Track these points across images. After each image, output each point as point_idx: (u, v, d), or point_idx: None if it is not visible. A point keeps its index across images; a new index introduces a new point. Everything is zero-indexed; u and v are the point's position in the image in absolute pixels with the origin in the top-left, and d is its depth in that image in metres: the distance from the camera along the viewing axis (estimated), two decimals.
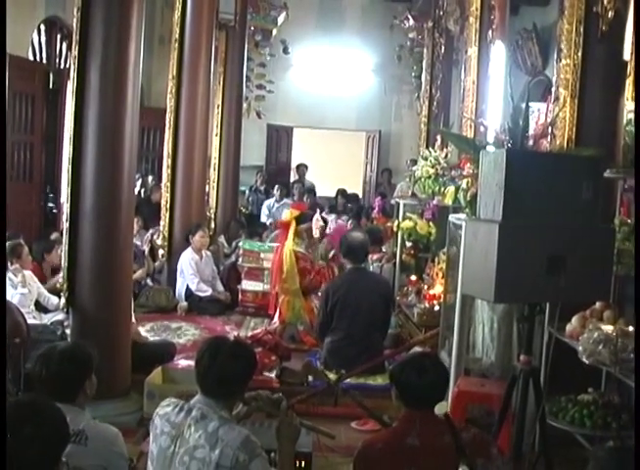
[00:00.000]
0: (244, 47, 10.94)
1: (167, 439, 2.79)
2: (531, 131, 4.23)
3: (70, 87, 4.77)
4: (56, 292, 5.96)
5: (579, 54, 4.48)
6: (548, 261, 2.93)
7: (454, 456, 2.80)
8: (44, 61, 9.91)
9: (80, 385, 3.02)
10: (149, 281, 8.33)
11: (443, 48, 9.82)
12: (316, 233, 7.45)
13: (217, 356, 2.83)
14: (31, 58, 9.50)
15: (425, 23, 10.62)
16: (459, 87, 8.08)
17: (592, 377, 4.01)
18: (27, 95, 9.04)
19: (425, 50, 10.63)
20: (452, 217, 4.73)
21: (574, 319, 3.89)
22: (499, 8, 6.94)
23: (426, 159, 7.21)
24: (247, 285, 7.91)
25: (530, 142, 4.12)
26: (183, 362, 5.66)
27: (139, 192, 10.39)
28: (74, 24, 4.70)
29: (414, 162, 8.78)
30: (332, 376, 5.10)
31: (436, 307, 5.92)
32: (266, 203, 12.18)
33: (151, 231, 8.77)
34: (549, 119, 4.57)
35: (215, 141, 10.34)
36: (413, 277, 7.23)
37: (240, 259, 8.10)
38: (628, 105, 4.31)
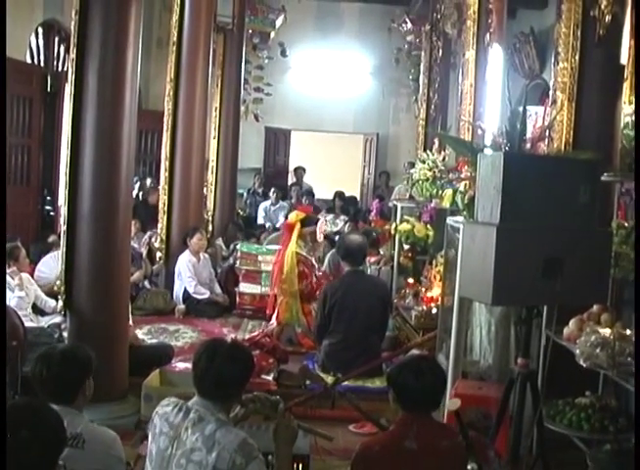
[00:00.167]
0: (242, 50, 10.95)
1: (166, 440, 2.79)
2: (529, 134, 4.23)
3: (68, 90, 4.79)
4: (53, 294, 5.96)
5: (577, 57, 4.49)
6: (545, 264, 2.94)
7: (452, 460, 2.80)
8: (42, 64, 9.91)
9: (80, 386, 3.02)
10: (146, 284, 8.32)
11: (441, 51, 9.85)
12: (320, 237, 7.46)
13: (215, 359, 2.83)
14: (29, 61, 9.51)
15: (422, 27, 10.64)
16: (457, 90, 8.09)
17: (589, 380, 4.01)
18: (25, 98, 9.04)
19: (422, 53, 10.64)
20: (450, 220, 4.73)
21: (572, 322, 3.89)
22: (497, 11, 6.95)
23: (423, 161, 7.22)
24: (244, 287, 7.91)
25: (528, 145, 4.12)
26: (180, 365, 5.66)
27: (137, 195, 10.39)
28: (72, 27, 4.70)
29: (412, 164, 8.79)
30: (329, 379, 5.10)
31: (434, 310, 5.93)
32: (262, 205, 12.20)
33: (149, 233, 8.76)
34: (546, 123, 4.57)
35: (213, 144, 10.35)
36: (411, 280, 7.23)
37: (237, 262, 8.10)
38: (626, 108, 4.32)
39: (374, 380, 5.44)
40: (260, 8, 11.76)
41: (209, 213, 10.15)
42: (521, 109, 3.72)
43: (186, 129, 8.32)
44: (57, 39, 10.15)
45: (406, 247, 7.59)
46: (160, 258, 8.42)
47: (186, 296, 8.00)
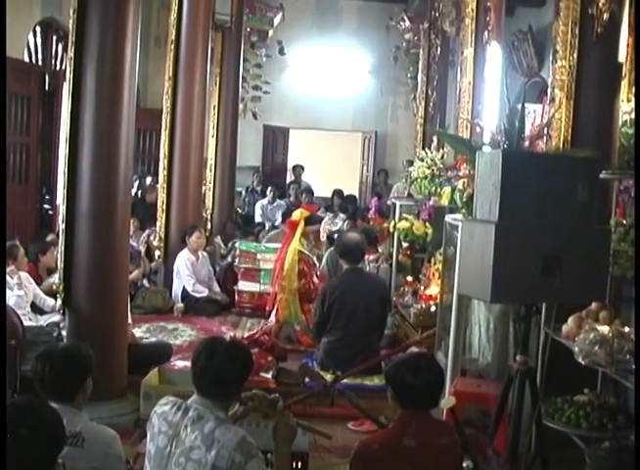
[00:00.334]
0: (240, 48, 10.94)
1: (164, 438, 2.79)
2: (527, 132, 4.23)
3: (66, 89, 4.78)
4: (52, 293, 5.96)
5: (575, 55, 4.50)
6: (544, 262, 2.94)
7: (450, 457, 2.80)
8: (40, 62, 9.91)
9: (81, 384, 3.03)
10: (145, 282, 8.33)
11: (439, 49, 9.86)
12: (323, 236, 7.47)
13: (214, 357, 2.83)
14: (27, 59, 9.50)
15: (421, 25, 10.65)
16: (455, 88, 8.10)
17: (588, 378, 4.01)
18: (23, 97, 9.04)
19: (421, 51, 10.66)
20: (448, 218, 4.73)
21: (570, 320, 3.90)
22: (495, 9, 6.96)
23: (422, 159, 7.22)
24: (243, 286, 7.92)
25: (526, 143, 4.12)
26: (179, 363, 5.66)
27: (135, 193, 10.39)
28: (70, 26, 4.70)
29: (410, 162, 8.79)
30: (328, 377, 5.10)
31: (433, 308, 5.93)
32: (259, 203, 12.19)
33: (147, 232, 8.77)
34: (545, 121, 4.58)
35: (211, 142, 10.36)
36: (409, 278, 7.24)
37: (236, 260, 8.10)
38: (624, 106, 4.32)
39: (373, 378, 5.44)
40: (259, 6, 11.77)
41: (208, 212, 10.14)
42: (519, 107, 3.73)
43: (184, 128, 8.32)
44: (55, 38, 10.14)
45: (405, 245, 7.59)
46: (158, 257, 8.42)
47: (185, 294, 8.00)
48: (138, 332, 6.65)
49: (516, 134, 3.72)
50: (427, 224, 7.27)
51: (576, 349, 3.53)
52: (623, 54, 4.42)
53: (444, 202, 6.03)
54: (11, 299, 5.74)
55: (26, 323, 5.30)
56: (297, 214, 7.19)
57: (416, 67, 11.43)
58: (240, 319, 7.72)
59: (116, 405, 4.81)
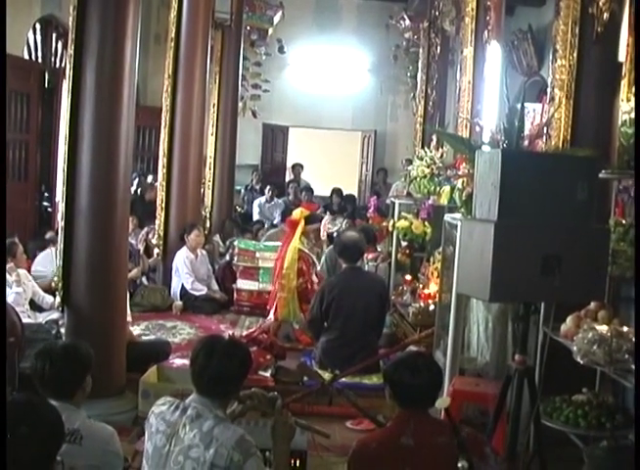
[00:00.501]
0: (239, 46, 10.95)
1: (162, 437, 2.78)
2: (527, 132, 4.23)
3: (66, 86, 4.77)
4: (51, 291, 5.95)
5: (575, 55, 4.50)
6: (543, 261, 2.94)
7: (449, 456, 2.80)
8: (40, 60, 9.91)
9: (81, 382, 3.03)
10: (144, 280, 8.33)
11: (439, 48, 9.86)
12: (324, 235, 7.47)
13: (213, 356, 2.83)
14: (27, 57, 9.49)
15: (421, 24, 10.65)
16: (455, 87, 8.10)
17: (586, 377, 4.02)
18: (23, 94, 9.04)
19: (421, 50, 10.65)
20: (447, 217, 4.73)
21: (569, 319, 3.90)
22: (495, 8, 6.96)
23: (421, 158, 7.22)
24: (242, 284, 7.91)
25: (526, 142, 4.13)
26: (178, 361, 5.66)
27: (135, 191, 10.39)
28: (70, 23, 4.69)
29: (409, 161, 8.79)
30: (326, 376, 5.10)
31: (431, 307, 5.93)
32: (256, 201, 12.19)
33: (146, 230, 8.77)
34: (544, 120, 4.58)
35: (211, 140, 10.36)
36: (408, 277, 7.24)
37: (235, 259, 8.10)
38: (623, 106, 4.32)
39: (371, 377, 5.44)
40: (258, 4, 11.75)
41: (207, 210, 10.15)
42: (519, 106, 3.72)
43: (184, 126, 8.32)
44: (54, 35, 10.14)
45: (404, 244, 7.59)
46: (157, 254, 8.42)
47: (183, 292, 8.00)
48: (137, 330, 6.65)
49: (515, 133, 3.71)
50: (426, 223, 7.26)
51: (575, 348, 3.54)
52: (623, 53, 4.42)
53: (443, 201, 6.04)
54: (10, 296, 5.74)
55: (25, 321, 5.30)
56: (298, 213, 7.20)
57: (416, 65, 11.42)
58: (238, 317, 7.72)
59: (115, 403, 4.81)
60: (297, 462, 3.68)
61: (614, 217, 4.22)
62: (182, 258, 8.01)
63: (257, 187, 13.07)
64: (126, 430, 4.41)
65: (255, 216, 11.85)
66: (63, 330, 5.17)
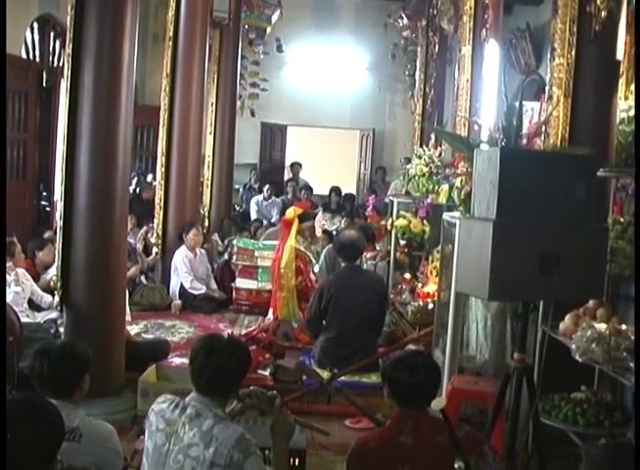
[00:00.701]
0: (238, 45, 10.95)
1: (162, 436, 2.79)
2: (525, 130, 4.24)
3: (64, 85, 4.76)
4: (49, 290, 5.95)
5: (573, 53, 4.49)
6: (542, 260, 2.94)
7: (447, 454, 2.81)
8: (37, 59, 9.90)
9: (79, 381, 3.03)
10: (143, 279, 8.32)
11: (437, 47, 9.84)
12: (319, 232, 7.47)
13: (212, 354, 2.83)
14: (25, 56, 9.48)
15: (419, 22, 10.62)
16: (453, 86, 8.09)
17: (585, 375, 4.02)
18: (21, 93, 9.03)
19: (419, 49, 10.63)
20: (446, 216, 4.73)
21: (568, 317, 3.90)
22: (493, 7, 6.95)
23: (420, 157, 7.22)
24: (240, 283, 7.91)
25: (524, 141, 4.13)
26: (177, 360, 5.65)
27: (134, 190, 10.38)
28: (68, 22, 4.69)
29: (408, 160, 8.78)
30: (325, 374, 5.11)
31: (430, 305, 5.93)
32: (254, 199, 12.17)
33: (144, 229, 8.76)
34: (542, 118, 4.58)
35: (209, 139, 10.36)
36: (407, 275, 7.23)
37: (234, 257, 8.10)
38: (621, 104, 4.32)
39: (370, 375, 5.44)
40: (256, 3, 11.74)
41: (206, 209, 10.14)
42: (517, 104, 3.73)
43: (182, 125, 8.32)
44: (52, 34, 10.13)
45: (402, 242, 7.59)
46: (156, 253, 8.42)
47: (182, 291, 8.00)
48: (136, 329, 6.65)
49: (513, 132, 3.72)
50: (424, 222, 7.26)
51: (574, 346, 3.54)
52: (621, 52, 4.41)
53: (442, 199, 6.04)
54: (8, 295, 5.72)
55: (24, 320, 5.29)
56: (291, 212, 7.20)
57: (414, 64, 11.40)
58: (237, 316, 7.72)
59: (114, 402, 4.81)
60: (297, 461, 3.69)
61: (612, 215, 4.22)
62: (181, 257, 8.01)
63: (256, 186, 13.06)
64: (125, 429, 4.41)
65: (253, 215, 11.84)
66: (61, 329, 5.17)
